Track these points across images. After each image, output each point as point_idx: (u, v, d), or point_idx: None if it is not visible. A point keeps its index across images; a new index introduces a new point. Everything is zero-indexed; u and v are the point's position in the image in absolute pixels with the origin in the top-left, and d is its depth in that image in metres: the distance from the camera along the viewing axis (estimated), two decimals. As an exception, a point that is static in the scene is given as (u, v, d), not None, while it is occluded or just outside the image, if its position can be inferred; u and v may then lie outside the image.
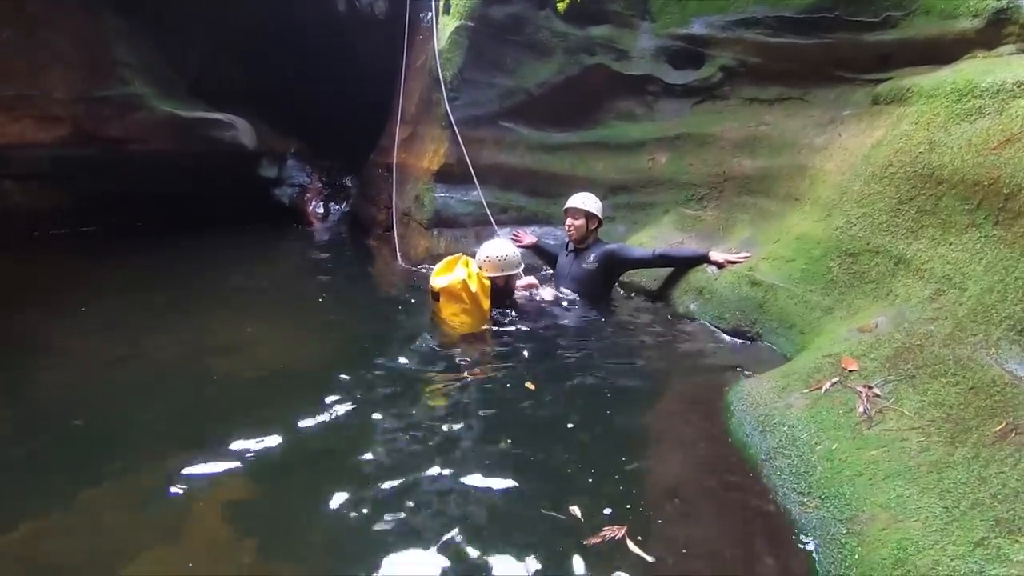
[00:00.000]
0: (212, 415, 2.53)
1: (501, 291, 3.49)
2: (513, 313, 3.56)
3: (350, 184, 7.94)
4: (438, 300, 3.30)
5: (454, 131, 5.08)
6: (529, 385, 2.76)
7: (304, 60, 7.33)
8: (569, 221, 3.97)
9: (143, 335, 3.39)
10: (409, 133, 5.81)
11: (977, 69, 2.86)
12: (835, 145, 3.60)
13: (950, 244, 2.40)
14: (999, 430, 1.69)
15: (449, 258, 3.43)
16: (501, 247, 3.54)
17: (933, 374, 2.01)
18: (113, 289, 4.38)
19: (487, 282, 3.34)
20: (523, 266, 3.63)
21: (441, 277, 3.30)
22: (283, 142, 7.59)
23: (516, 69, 5.32)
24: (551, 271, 4.37)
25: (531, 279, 3.85)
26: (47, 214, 6.04)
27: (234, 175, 6.79)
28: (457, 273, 3.27)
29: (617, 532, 1.73)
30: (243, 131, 6.42)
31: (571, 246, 4.08)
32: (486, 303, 3.31)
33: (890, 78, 3.61)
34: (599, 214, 3.97)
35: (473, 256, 3.50)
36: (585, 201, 3.94)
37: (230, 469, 2.10)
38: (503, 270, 3.47)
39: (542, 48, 5.32)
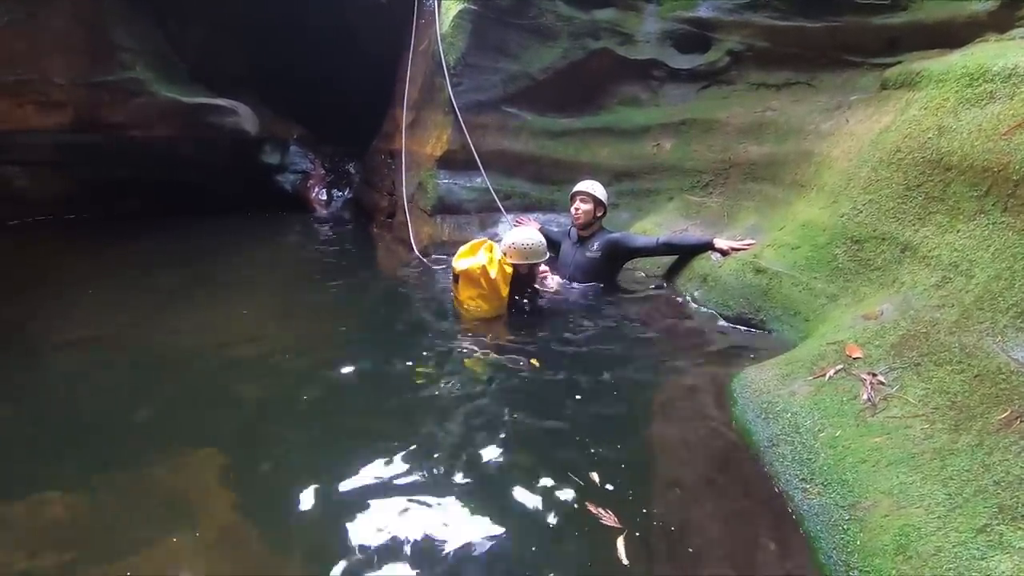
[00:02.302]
0: (216, 402, 2.54)
1: (524, 279, 3.48)
2: (528, 302, 3.53)
3: (353, 170, 7.90)
4: (458, 282, 3.32)
5: (457, 117, 5.04)
6: (534, 362, 2.80)
7: (306, 45, 7.26)
8: (577, 205, 3.93)
9: (146, 321, 3.40)
10: (412, 119, 5.76)
11: (988, 53, 2.81)
12: (842, 131, 3.56)
13: (958, 231, 2.38)
14: (1004, 418, 1.68)
15: (474, 241, 3.43)
16: (528, 235, 3.49)
17: (938, 362, 2.00)
18: (117, 275, 4.38)
19: (508, 269, 3.33)
20: (548, 255, 3.59)
21: (463, 260, 3.31)
22: (286, 128, 7.55)
23: (520, 54, 5.25)
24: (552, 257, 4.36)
25: (544, 267, 3.83)
26: (51, 200, 6.04)
27: (236, 161, 6.76)
28: (478, 258, 3.27)
29: (609, 519, 1.76)
30: (245, 117, 6.38)
31: (574, 234, 4.06)
32: (504, 290, 3.30)
33: (899, 62, 3.56)
34: (606, 202, 3.95)
35: (497, 242, 3.49)
36: (594, 187, 3.93)
37: (235, 456, 2.11)
38: (527, 258, 3.44)
39: (546, 32, 5.25)
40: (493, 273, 3.23)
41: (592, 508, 1.79)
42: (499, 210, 4.97)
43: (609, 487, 1.92)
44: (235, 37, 7.03)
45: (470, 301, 3.32)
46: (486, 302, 3.30)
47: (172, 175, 6.59)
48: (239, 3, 6.57)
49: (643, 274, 4.25)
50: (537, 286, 3.67)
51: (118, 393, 2.58)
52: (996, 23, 3.24)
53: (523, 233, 3.52)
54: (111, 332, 3.22)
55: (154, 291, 3.97)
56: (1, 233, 5.41)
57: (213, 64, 6.77)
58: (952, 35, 3.40)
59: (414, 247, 4.91)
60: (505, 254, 3.38)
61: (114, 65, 5.54)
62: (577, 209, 3.93)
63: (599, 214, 3.96)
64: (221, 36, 6.87)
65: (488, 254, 3.29)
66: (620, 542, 1.68)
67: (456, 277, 3.31)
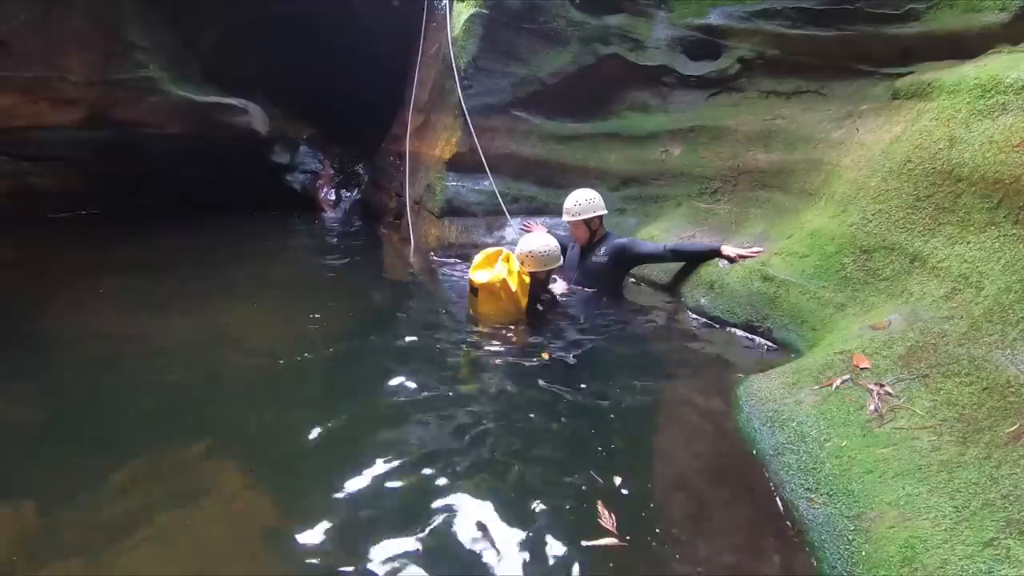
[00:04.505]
0: (222, 401, 2.55)
1: (540, 284, 3.47)
2: (545, 309, 3.51)
3: (362, 171, 7.94)
4: (476, 295, 3.26)
5: (467, 120, 5.06)
6: (544, 356, 2.87)
7: (318, 46, 7.31)
8: (572, 231, 3.93)
9: (154, 319, 3.42)
10: (422, 121, 5.79)
11: (1001, 64, 2.80)
12: (852, 140, 3.55)
13: (968, 242, 2.37)
14: (1012, 431, 1.67)
15: (488, 251, 3.37)
16: (544, 241, 3.45)
17: (946, 373, 1.99)
18: (126, 273, 4.41)
19: (527, 279, 3.29)
20: (562, 260, 3.58)
21: (481, 272, 3.24)
22: (296, 128, 7.60)
23: (530, 58, 5.27)
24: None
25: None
26: (62, 196, 6.10)
27: (247, 160, 6.81)
28: (497, 270, 3.21)
29: (609, 521, 1.76)
30: (256, 117, 6.44)
31: (581, 239, 4.05)
32: (524, 301, 3.28)
33: (911, 72, 3.55)
34: (597, 213, 3.83)
35: (504, 247, 3.45)
36: (579, 213, 3.77)
37: (244, 455, 2.13)
38: (546, 265, 3.41)
39: (557, 37, 5.27)
40: (513, 286, 3.19)
41: (603, 514, 1.79)
42: (506, 213, 4.98)
43: (610, 492, 1.91)
44: (248, 38, 7.08)
45: (489, 313, 3.29)
46: (505, 313, 3.28)
47: (183, 173, 6.64)
48: (253, 4, 6.62)
49: (649, 280, 4.25)
50: (550, 287, 3.66)
51: (126, 391, 2.60)
52: (1010, 35, 3.23)
53: (539, 240, 3.47)
54: (119, 330, 3.24)
55: (163, 289, 4.00)
56: (14, 228, 5.45)
57: (226, 64, 6.82)
58: (965, 46, 3.39)
59: (411, 250, 4.93)
60: (523, 263, 3.34)
61: (128, 63, 5.59)
62: (575, 235, 3.92)
63: (596, 225, 3.91)
64: (234, 37, 6.93)
65: (506, 265, 3.23)
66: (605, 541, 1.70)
67: (475, 290, 3.25)
